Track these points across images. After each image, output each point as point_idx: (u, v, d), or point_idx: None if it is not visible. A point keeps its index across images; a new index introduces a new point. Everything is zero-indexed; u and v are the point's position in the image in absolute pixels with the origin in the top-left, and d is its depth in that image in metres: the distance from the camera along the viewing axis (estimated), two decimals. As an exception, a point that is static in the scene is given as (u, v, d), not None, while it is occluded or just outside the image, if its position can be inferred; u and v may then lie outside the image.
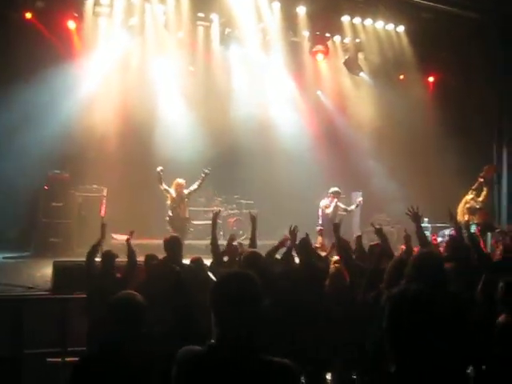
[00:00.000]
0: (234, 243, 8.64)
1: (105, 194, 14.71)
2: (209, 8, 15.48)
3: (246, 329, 2.84)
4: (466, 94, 16.66)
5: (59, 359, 8.16)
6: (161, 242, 7.96)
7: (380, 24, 16.36)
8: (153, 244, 13.67)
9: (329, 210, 13.11)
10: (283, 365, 2.86)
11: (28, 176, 13.68)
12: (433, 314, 2.50)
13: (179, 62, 16.29)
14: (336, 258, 7.77)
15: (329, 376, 7.12)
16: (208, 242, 7.91)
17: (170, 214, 12.88)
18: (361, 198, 13.74)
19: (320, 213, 13.16)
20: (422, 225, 7.60)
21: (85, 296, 7.67)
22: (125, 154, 15.52)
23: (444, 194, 14.59)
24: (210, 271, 7.27)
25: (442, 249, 9.23)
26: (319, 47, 16.44)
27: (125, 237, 8.38)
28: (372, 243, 7.38)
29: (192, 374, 2.84)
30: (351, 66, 17.41)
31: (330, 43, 16.72)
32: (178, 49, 15.80)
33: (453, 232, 10.55)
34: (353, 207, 13.93)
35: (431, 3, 15.18)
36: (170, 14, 14.99)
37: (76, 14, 14.50)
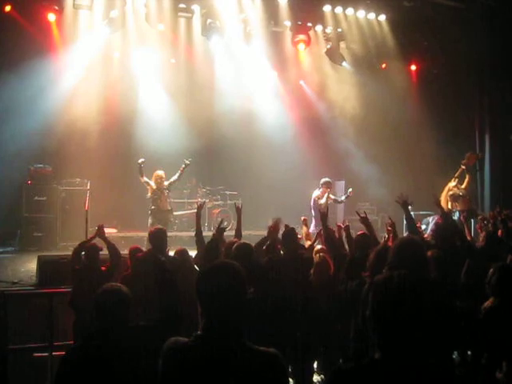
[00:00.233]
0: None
1: (88, 187, 14.66)
2: (190, -1, 15.46)
3: (232, 318, 2.87)
4: (448, 81, 16.73)
5: (46, 354, 8.15)
6: (145, 234, 7.97)
7: (362, 13, 16.37)
8: (137, 236, 13.72)
9: (322, 201, 13.13)
10: (270, 353, 2.89)
11: (10, 171, 13.60)
12: (417, 300, 2.52)
13: (161, 55, 16.21)
14: (319, 246, 7.82)
15: (315, 364, 7.18)
16: (192, 233, 7.92)
17: (152, 206, 12.86)
18: (351, 189, 13.77)
19: (312, 203, 13.17)
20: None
21: (70, 290, 7.66)
22: (107, 147, 15.47)
23: (427, 181, 14.70)
24: (195, 263, 7.29)
25: (426, 236, 9.31)
26: (301, 37, 16.39)
27: (110, 230, 8.37)
28: (359, 233, 7.42)
29: (179, 365, 2.85)
30: (333, 55, 17.40)
31: (311, 33, 16.68)
32: (159, 41, 15.70)
33: (437, 219, 10.64)
34: (343, 198, 13.95)
35: (413, -9, 15.24)
36: (151, 6, 14.90)
37: (56, 7, 14.35)
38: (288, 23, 16.22)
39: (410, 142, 17.01)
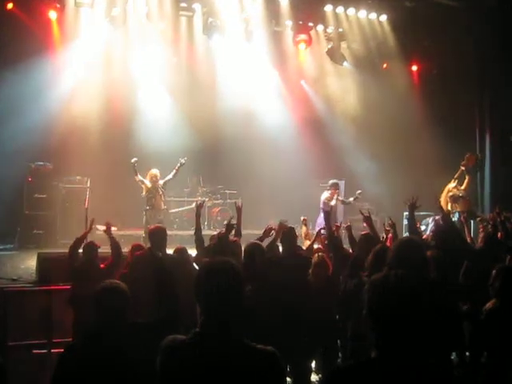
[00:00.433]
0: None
1: (88, 185, 14.66)
2: (191, -3, 15.49)
3: (230, 315, 2.89)
4: (449, 82, 16.72)
5: (45, 351, 8.17)
6: (144, 232, 7.99)
7: (363, 13, 16.40)
8: (137, 235, 13.71)
9: (332, 203, 13.19)
10: (267, 351, 2.91)
11: (11, 168, 13.59)
12: (413, 300, 2.53)
13: (162, 53, 16.19)
14: (315, 246, 7.86)
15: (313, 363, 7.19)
16: (192, 232, 7.93)
17: (146, 206, 12.89)
18: (360, 191, 13.80)
19: (322, 205, 13.19)
20: (406, 213, 7.71)
21: (70, 287, 7.67)
22: (108, 145, 15.44)
23: (427, 182, 14.66)
24: (196, 262, 7.30)
25: (425, 236, 9.33)
26: (302, 37, 16.42)
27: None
28: (363, 232, 7.46)
29: (177, 362, 2.86)
30: (334, 55, 17.40)
31: (312, 32, 16.70)
32: (160, 40, 15.71)
33: (438, 220, 10.65)
34: (351, 199, 13.95)
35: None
36: (152, 5, 14.92)
37: (58, 5, 14.38)
38: (289, 23, 16.24)
39: (411, 142, 16.97)
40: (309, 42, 16.63)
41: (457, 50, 15.86)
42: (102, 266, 7.50)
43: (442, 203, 13.00)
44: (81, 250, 7.79)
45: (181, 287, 4.33)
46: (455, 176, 13.81)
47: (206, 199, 16.14)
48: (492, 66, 16.39)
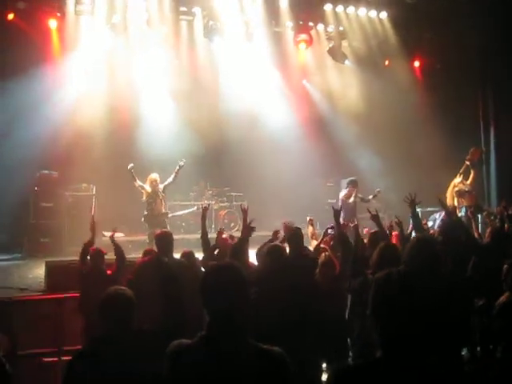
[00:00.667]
0: (224, 235, 8.76)
1: (94, 192, 14.68)
2: (191, 1, 15.48)
3: (235, 317, 2.88)
4: (452, 76, 16.68)
5: (56, 359, 8.17)
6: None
7: (363, 11, 16.38)
8: (144, 240, 13.71)
9: (351, 200, 13.17)
10: (274, 352, 2.90)
11: (17, 178, 13.63)
12: (422, 297, 2.51)
13: (164, 58, 16.22)
14: (322, 245, 7.86)
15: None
16: (199, 235, 7.94)
17: (145, 212, 12.90)
18: (379, 189, 13.80)
19: (340, 203, 13.16)
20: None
21: (78, 295, 7.69)
22: (113, 152, 15.46)
23: (432, 178, 14.65)
24: (203, 265, 7.30)
25: (432, 232, 9.32)
26: (303, 36, 16.41)
27: (117, 234, 8.42)
28: (372, 231, 7.46)
29: (184, 367, 2.86)
30: (336, 54, 17.38)
31: (313, 32, 16.69)
32: (162, 45, 15.74)
33: (444, 216, 10.63)
34: (370, 197, 13.89)
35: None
36: (152, 11, 14.94)
37: (58, 14, 14.42)
38: (289, 23, 16.24)
39: (416, 138, 16.94)
40: (309, 42, 16.62)
41: (459, 43, 15.84)
42: (108, 272, 7.52)
43: (449, 199, 13.01)
44: (88, 257, 7.83)
45: (188, 291, 4.33)
46: (460, 171, 13.79)
47: (213, 202, 16.15)
48: (495, 59, 16.36)
